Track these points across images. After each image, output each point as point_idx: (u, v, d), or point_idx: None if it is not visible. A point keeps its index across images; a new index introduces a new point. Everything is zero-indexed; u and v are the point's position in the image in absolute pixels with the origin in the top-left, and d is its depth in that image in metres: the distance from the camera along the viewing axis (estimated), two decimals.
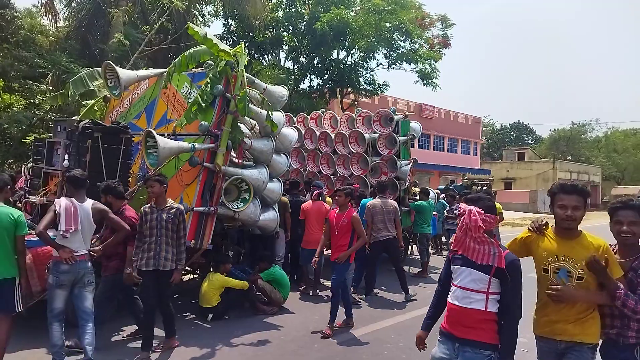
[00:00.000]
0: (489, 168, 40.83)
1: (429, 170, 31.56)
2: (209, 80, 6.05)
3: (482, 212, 2.72)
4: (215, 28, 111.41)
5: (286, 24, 20.23)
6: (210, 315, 6.03)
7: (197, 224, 5.88)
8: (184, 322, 5.94)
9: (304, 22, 19.64)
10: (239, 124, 6.51)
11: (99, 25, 16.06)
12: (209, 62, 6.54)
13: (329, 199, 8.42)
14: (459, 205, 2.92)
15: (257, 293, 6.60)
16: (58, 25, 17.12)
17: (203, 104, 5.95)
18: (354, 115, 9.75)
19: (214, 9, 20.69)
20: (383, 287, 8.14)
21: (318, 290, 7.66)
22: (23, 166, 7.08)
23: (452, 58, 78.56)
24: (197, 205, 5.90)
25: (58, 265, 4.24)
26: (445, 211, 11.58)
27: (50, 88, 13.43)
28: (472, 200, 2.82)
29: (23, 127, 12.21)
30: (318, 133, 9.86)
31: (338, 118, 10.00)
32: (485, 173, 36.37)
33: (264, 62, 21.33)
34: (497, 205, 11.22)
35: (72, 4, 17.52)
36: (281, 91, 6.98)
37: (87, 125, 5.56)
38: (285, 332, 5.79)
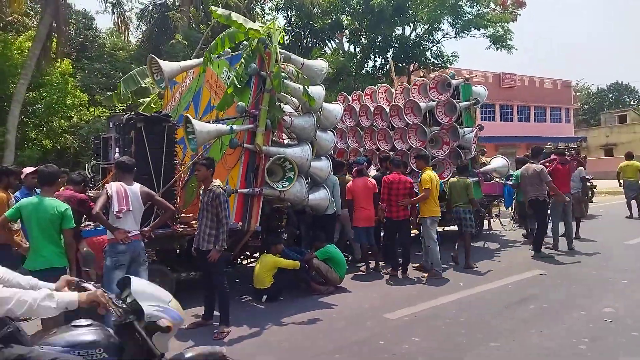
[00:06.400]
0: (584, 135, 37.21)
1: (514, 143, 29.51)
2: (243, 61, 5.99)
3: None
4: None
5: (344, 6, 19.86)
6: (265, 297, 5.98)
7: (243, 206, 5.86)
8: (240, 304, 5.94)
9: (361, 2, 19.09)
10: (280, 103, 6.39)
11: (165, 31, 16.90)
12: (244, 42, 6.49)
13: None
14: None
15: (313, 273, 6.46)
16: (131, 39, 18.42)
17: (239, 85, 5.91)
18: (408, 85, 9.21)
19: (273, 4, 20.94)
20: (451, 263, 7.68)
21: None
22: (87, 165, 7.56)
23: (530, 19, 71.70)
24: (242, 187, 5.87)
25: (115, 246, 4.41)
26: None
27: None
28: None
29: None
30: (372, 108, 9.46)
31: (393, 90, 9.50)
32: (581, 141, 33.20)
33: (327, 50, 21.14)
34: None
35: (144, 13, 18.77)
36: (320, 64, 6.73)
37: (129, 117, 5.75)
38: (338, 310, 5.59)
